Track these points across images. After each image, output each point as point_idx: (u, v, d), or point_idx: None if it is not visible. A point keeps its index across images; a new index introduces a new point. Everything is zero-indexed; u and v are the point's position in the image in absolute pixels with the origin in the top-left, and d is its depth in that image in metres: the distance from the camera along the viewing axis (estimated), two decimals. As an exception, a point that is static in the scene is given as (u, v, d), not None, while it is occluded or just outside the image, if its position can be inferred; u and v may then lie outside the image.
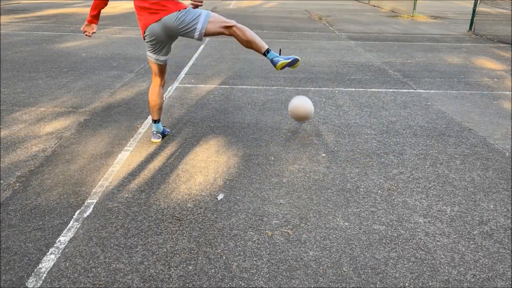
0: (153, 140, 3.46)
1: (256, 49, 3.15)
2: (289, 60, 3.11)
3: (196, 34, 3.01)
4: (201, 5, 3.02)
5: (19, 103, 4.36)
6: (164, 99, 3.46)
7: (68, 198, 2.63)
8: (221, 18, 3.07)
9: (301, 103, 3.73)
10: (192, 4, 2.99)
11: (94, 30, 3.17)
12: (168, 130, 3.66)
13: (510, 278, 2.05)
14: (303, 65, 6.45)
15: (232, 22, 3.06)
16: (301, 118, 3.80)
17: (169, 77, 5.50)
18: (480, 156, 3.42)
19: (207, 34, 3.04)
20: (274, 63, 3.14)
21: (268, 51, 3.14)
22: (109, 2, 3.16)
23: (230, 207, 2.59)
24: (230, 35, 3.09)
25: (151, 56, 3.20)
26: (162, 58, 3.22)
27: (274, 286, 1.95)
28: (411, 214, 2.57)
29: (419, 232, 2.39)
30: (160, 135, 3.49)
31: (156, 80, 3.36)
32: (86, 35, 3.17)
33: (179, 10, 2.96)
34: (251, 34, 3.10)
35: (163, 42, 3.11)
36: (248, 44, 3.12)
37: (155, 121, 3.47)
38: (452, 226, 2.46)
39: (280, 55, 3.17)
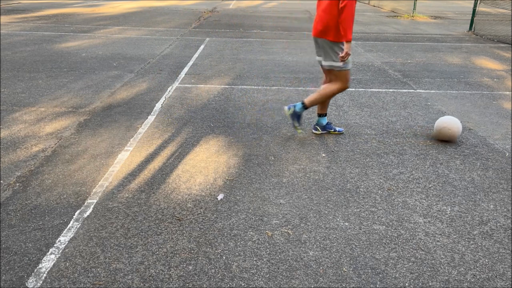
0: (314, 131, 3.79)
1: (313, 95, 3.58)
2: (291, 118, 3.61)
3: (324, 63, 3.46)
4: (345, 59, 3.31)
5: (19, 103, 4.36)
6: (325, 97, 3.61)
7: (68, 198, 2.63)
8: (347, 79, 3.48)
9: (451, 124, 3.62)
10: (341, 58, 3.29)
11: None
12: (334, 128, 3.85)
13: (510, 278, 2.05)
14: (303, 65, 6.45)
15: (343, 85, 3.48)
16: (445, 137, 3.68)
17: (169, 77, 5.50)
18: (480, 156, 3.42)
19: (328, 72, 3.51)
20: (288, 106, 3.64)
21: (303, 103, 3.57)
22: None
23: (230, 207, 2.59)
24: (329, 83, 3.60)
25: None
26: (317, 58, 3.54)
27: (274, 286, 1.95)
28: (411, 214, 2.57)
29: (419, 232, 2.39)
30: (322, 129, 3.78)
31: (324, 76, 3.68)
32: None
33: (333, 42, 3.30)
34: (325, 92, 3.52)
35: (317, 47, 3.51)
36: (320, 90, 3.55)
37: (319, 115, 3.74)
38: (452, 226, 2.46)
39: (296, 117, 3.60)
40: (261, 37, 9.11)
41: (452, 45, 8.71)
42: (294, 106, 3.54)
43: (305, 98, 3.81)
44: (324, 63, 3.44)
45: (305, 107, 3.53)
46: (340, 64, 3.33)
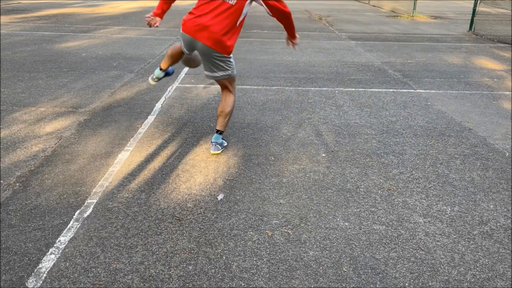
0: (151, 81, 3.51)
1: (219, 122, 3.32)
2: (218, 152, 3.31)
3: (217, 75, 3.15)
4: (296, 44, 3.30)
5: (19, 103, 4.36)
6: (231, 107, 3.35)
7: (68, 198, 2.63)
8: (234, 86, 3.33)
9: None
10: (293, 45, 3.27)
11: (158, 24, 3.16)
12: (173, 68, 3.64)
13: (510, 278, 2.05)
14: (303, 65, 6.45)
15: (235, 89, 3.35)
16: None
17: (169, 77, 5.50)
18: (480, 156, 3.42)
19: (219, 81, 3.23)
20: (213, 148, 3.31)
21: (220, 132, 3.33)
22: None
23: (230, 207, 2.59)
24: (222, 91, 3.34)
25: (181, 45, 3.21)
26: (206, 73, 3.20)
27: (274, 286, 1.95)
28: (411, 214, 2.57)
29: (419, 232, 2.39)
30: (219, 147, 3.37)
31: (223, 92, 3.36)
32: (150, 25, 3.13)
33: (222, 54, 3.00)
34: (230, 112, 3.30)
35: (192, 50, 3.12)
36: (221, 113, 3.30)
37: (161, 69, 3.44)
38: (452, 226, 2.46)
39: (222, 147, 3.36)
40: (261, 37, 9.11)
41: (452, 45, 8.71)
42: (218, 145, 3.30)
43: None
44: (216, 74, 3.14)
45: (221, 132, 3.32)
46: (234, 71, 3.20)
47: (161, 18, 3.14)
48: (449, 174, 3.10)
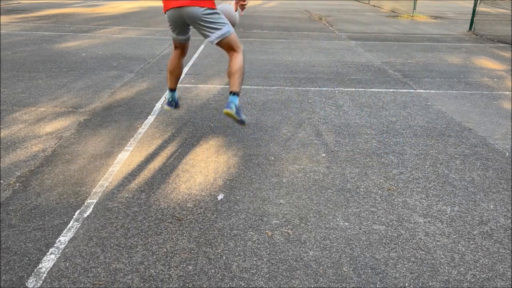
0: (165, 107, 3.56)
1: (231, 82, 3.15)
2: (238, 117, 3.10)
3: (212, 39, 3.06)
4: (245, 7, 3.19)
5: (19, 103, 4.36)
6: (182, 69, 3.44)
7: (68, 198, 2.63)
8: (237, 41, 3.14)
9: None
10: (240, 5, 3.14)
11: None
12: (179, 102, 3.68)
13: (510, 278, 2.05)
14: (303, 65, 6.45)
15: (240, 48, 3.14)
16: None
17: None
18: (480, 156, 3.42)
19: (218, 44, 3.09)
20: (226, 106, 3.10)
21: (234, 93, 3.12)
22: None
23: (230, 207, 2.59)
24: (228, 53, 3.16)
25: (171, 34, 3.27)
26: (181, 37, 3.26)
27: (274, 286, 1.95)
28: (411, 214, 2.57)
29: (419, 232, 2.39)
30: (173, 105, 3.52)
31: (177, 51, 3.39)
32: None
33: (205, 8, 2.95)
34: (240, 69, 3.12)
35: (181, 25, 3.15)
36: (230, 73, 3.14)
37: (171, 90, 3.53)
38: (452, 226, 2.46)
39: (240, 111, 3.15)
40: (261, 37, 9.11)
41: (452, 45, 8.71)
42: (233, 104, 3.09)
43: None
44: (212, 38, 3.05)
45: (238, 94, 3.15)
46: (230, 28, 3.06)
47: None
48: (449, 174, 3.10)
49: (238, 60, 3.11)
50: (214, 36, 3.04)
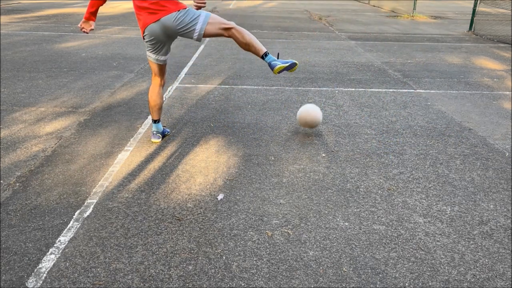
0: (153, 140, 3.47)
1: (254, 52, 3.12)
2: (287, 64, 3.07)
3: (195, 35, 3.03)
4: (204, 6, 3.08)
5: (19, 103, 4.36)
6: (164, 99, 3.45)
7: (68, 198, 2.63)
8: (221, 19, 3.08)
9: (309, 110, 3.72)
10: (196, 5, 3.05)
11: (92, 27, 3.17)
12: (168, 130, 3.66)
13: (510, 278, 2.05)
14: (303, 65, 6.45)
15: (231, 24, 3.06)
16: (308, 125, 3.77)
17: (169, 77, 5.50)
18: (480, 156, 3.42)
19: (206, 35, 3.06)
20: (271, 67, 3.09)
21: (266, 54, 3.10)
22: (109, 2, 3.17)
23: (230, 207, 2.59)
24: (229, 36, 3.09)
25: (150, 56, 3.21)
26: (162, 58, 3.23)
27: (274, 286, 1.95)
28: (411, 214, 2.57)
29: (419, 232, 2.39)
30: (160, 135, 3.50)
31: (156, 80, 3.37)
32: (84, 31, 3.17)
33: (179, 10, 2.98)
34: (250, 37, 3.08)
35: (162, 42, 3.12)
36: (247, 46, 3.10)
37: (155, 121, 3.47)
38: (452, 226, 2.46)
39: (278, 58, 3.13)
40: (261, 37, 9.11)
41: (452, 45, 8.71)
42: (274, 61, 3.08)
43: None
44: (196, 33, 3.02)
45: (267, 53, 3.11)
46: (206, 13, 3.04)
47: (94, 20, 3.15)
48: (449, 174, 3.10)
49: (240, 32, 3.05)
50: (197, 28, 2.99)
